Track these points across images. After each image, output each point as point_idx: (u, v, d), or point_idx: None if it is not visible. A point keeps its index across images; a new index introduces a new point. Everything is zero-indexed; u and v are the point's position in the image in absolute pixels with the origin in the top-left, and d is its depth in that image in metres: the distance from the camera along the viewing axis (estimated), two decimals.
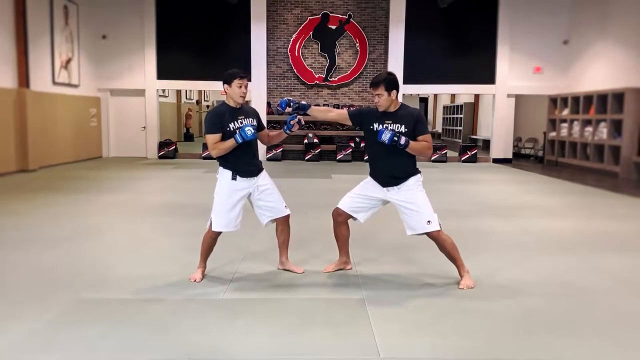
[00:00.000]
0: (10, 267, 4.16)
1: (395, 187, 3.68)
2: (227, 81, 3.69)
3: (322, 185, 9.36)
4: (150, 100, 14.23)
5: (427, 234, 3.69)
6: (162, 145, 14.32)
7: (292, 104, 3.74)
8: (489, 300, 3.50)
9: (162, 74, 14.08)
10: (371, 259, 4.43)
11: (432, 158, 14.15)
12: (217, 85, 14.83)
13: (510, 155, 14.56)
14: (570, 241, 5.25)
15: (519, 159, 15.31)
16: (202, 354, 2.69)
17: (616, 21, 11.92)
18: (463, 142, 17.82)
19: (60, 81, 12.18)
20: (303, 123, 3.88)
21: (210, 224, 3.78)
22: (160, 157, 14.17)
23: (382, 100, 3.63)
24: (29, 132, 10.59)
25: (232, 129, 3.66)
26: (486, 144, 17.29)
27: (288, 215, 3.95)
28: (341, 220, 3.91)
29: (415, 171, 3.73)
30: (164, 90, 15.55)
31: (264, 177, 3.86)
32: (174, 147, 14.33)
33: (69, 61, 12.61)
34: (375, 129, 3.64)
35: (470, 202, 7.57)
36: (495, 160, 14.34)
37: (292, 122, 3.77)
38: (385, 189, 3.72)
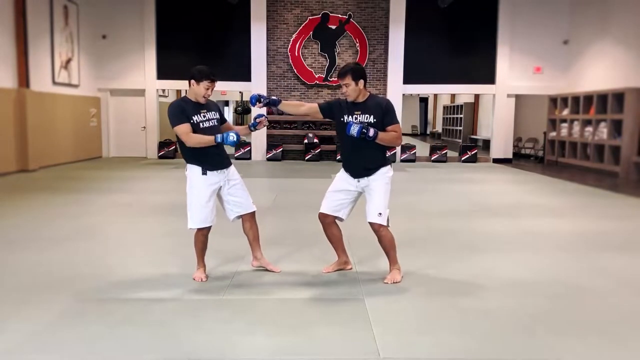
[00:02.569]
0: (11, 267, 4.16)
1: (365, 178, 3.74)
2: (196, 78, 3.65)
3: (322, 185, 9.34)
4: (150, 100, 14.24)
5: (371, 224, 3.76)
6: (162, 145, 14.32)
7: (262, 99, 3.77)
8: (489, 300, 3.50)
9: (162, 74, 14.08)
10: (371, 259, 4.43)
11: (433, 158, 14.20)
12: (217, 85, 14.81)
13: (510, 155, 14.56)
14: (570, 241, 5.25)
15: (519, 159, 15.30)
16: (202, 354, 2.69)
17: (616, 21, 11.92)
18: (463, 142, 17.83)
19: (60, 81, 12.18)
20: (268, 124, 3.98)
21: (190, 224, 3.77)
22: (160, 157, 14.18)
23: (349, 90, 3.66)
24: (29, 132, 10.59)
25: (195, 122, 3.66)
26: (486, 144, 17.29)
27: (254, 212, 3.97)
28: (329, 221, 3.93)
29: (386, 162, 3.79)
30: (164, 90, 15.54)
31: (233, 172, 3.88)
32: (174, 147, 14.32)
33: (69, 61, 12.61)
34: (345, 121, 3.68)
35: (470, 202, 7.57)
36: (496, 160, 14.34)
37: (257, 120, 3.84)
38: (356, 179, 3.77)
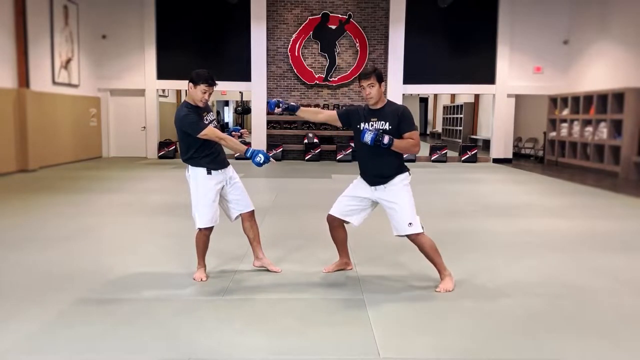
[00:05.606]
0: (11, 267, 4.16)
1: (382, 186, 3.65)
2: (194, 81, 3.63)
3: (322, 185, 9.35)
4: (150, 100, 14.24)
5: (407, 236, 3.64)
6: (162, 145, 14.32)
7: (281, 104, 3.75)
8: (489, 300, 3.50)
9: (162, 74, 14.08)
10: (371, 259, 4.43)
11: (433, 158, 14.20)
12: (217, 85, 14.82)
13: (510, 155, 14.55)
14: (570, 241, 5.25)
15: (519, 159, 15.30)
16: (202, 354, 2.69)
17: (616, 21, 11.92)
18: (463, 142, 17.83)
19: (60, 81, 12.18)
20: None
21: (198, 224, 3.78)
22: (160, 157, 14.18)
23: (374, 91, 3.58)
24: (29, 132, 10.58)
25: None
26: (486, 144, 17.29)
27: (253, 211, 3.99)
28: (336, 224, 3.91)
29: (403, 169, 3.69)
30: (164, 90, 15.55)
31: (232, 171, 3.92)
32: (173, 147, 14.32)
33: (69, 61, 12.61)
34: (361, 128, 3.62)
35: (470, 202, 7.57)
36: (495, 160, 14.33)
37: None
38: (372, 187, 3.70)
